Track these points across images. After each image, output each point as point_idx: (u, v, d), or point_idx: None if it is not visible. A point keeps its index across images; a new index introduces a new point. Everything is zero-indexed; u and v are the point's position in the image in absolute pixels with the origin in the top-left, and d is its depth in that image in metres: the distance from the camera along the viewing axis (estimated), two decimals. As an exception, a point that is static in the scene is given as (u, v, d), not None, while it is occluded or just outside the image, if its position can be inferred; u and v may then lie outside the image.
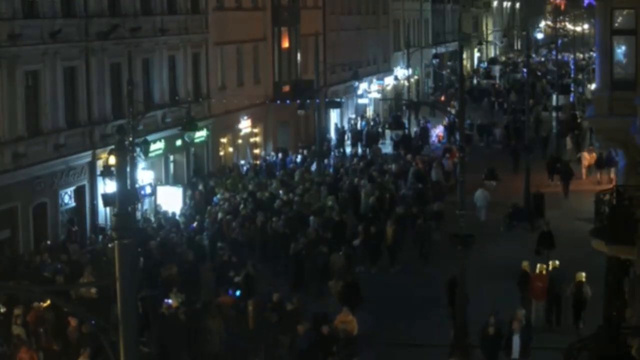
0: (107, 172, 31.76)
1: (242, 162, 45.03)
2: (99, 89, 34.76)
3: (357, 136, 54.49)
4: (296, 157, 46.12)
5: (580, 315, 26.92)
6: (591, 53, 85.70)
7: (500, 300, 28.27)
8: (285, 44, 49.65)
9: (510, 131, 54.86)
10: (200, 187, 38.17)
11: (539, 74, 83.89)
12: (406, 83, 64.81)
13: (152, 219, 35.14)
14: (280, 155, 46.65)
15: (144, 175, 35.54)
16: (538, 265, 27.91)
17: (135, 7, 37.19)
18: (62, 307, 21.07)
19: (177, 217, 34.93)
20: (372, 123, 58.93)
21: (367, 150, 51.49)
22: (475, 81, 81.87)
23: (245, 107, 45.25)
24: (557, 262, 28.06)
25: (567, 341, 20.76)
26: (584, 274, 27.03)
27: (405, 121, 52.46)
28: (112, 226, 30.66)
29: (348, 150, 52.64)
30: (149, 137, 35.78)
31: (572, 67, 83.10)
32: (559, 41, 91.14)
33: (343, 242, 31.32)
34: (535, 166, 42.85)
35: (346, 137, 55.31)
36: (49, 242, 31.12)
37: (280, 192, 37.30)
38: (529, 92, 49.01)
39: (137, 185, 32.22)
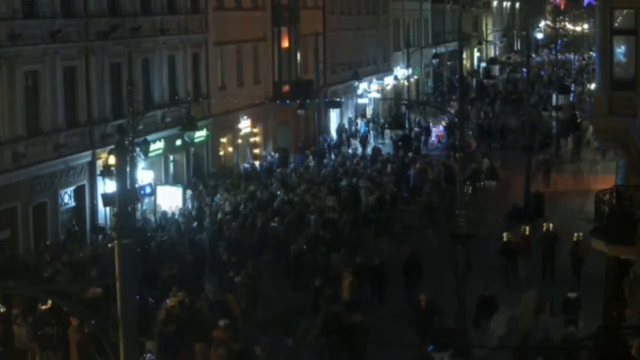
0: (107, 172, 31.77)
1: (246, 164, 45.02)
2: (99, 88, 34.75)
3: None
4: (295, 158, 46.12)
5: (579, 272, 29.84)
6: (591, 53, 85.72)
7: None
8: (285, 43, 49.64)
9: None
10: (201, 187, 38.18)
11: (543, 73, 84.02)
12: (406, 83, 64.80)
13: (152, 218, 35.14)
14: (276, 155, 46.63)
15: (144, 175, 35.54)
16: (522, 227, 31.84)
17: (135, 7, 37.19)
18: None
19: (176, 217, 34.90)
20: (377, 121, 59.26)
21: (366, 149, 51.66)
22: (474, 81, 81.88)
23: (245, 107, 45.24)
24: (550, 225, 32.34)
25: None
26: (575, 234, 30.73)
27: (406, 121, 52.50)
28: (112, 226, 30.71)
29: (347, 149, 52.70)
30: (149, 137, 35.79)
31: (573, 66, 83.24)
32: (559, 41, 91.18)
33: (343, 242, 31.24)
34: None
35: (344, 137, 55.42)
36: (47, 243, 31.16)
37: (279, 192, 37.25)
38: (529, 92, 49.06)
39: (137, 185, 32.21)
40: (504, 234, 31.83)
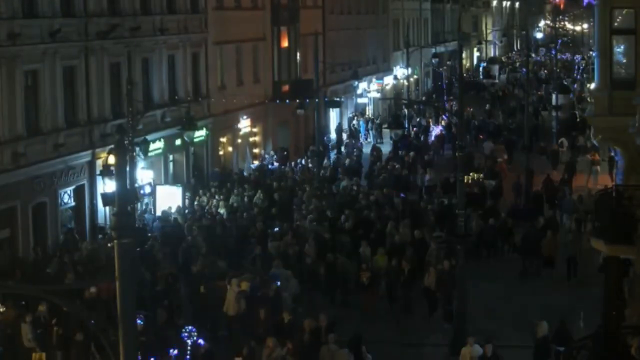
0: (106, 171, 31.76)
1: (251, 165, 45.06)
2: (99, 88, 34.74)
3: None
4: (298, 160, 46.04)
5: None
6: (591, 52, 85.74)
7: (498, 299, 28.43)
8: (285, 43, 49.63)
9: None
10: (200, 192, 38.04)
11: (543, 74, 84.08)
12: (405, 83, 64.80)
13: (149, 218, 35.07)
14: (274, 156, 46.58)
15: (144, 175, 35.53)
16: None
17: (135, 7, 37.17)
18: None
19: (175, 217, 34.85)
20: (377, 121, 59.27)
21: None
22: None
23: (244, 106, 45.23)
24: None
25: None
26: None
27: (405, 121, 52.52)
28: (111, 226, 30.69)
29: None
30: (149, 137, 35.77)
31: (577, 66, 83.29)
32: (559, 41, 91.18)
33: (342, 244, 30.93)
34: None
35: (344, 137, 55.43)
36: (49, 243, 31.20)
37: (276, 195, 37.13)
38: (528, 91, 49.12)
39: (136, 185, 32.20)
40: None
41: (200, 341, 23.00)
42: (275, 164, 45.54)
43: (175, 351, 22.73)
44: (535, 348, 23.30)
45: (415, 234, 30.91)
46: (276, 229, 32.26)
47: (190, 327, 23.02)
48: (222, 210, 35.29)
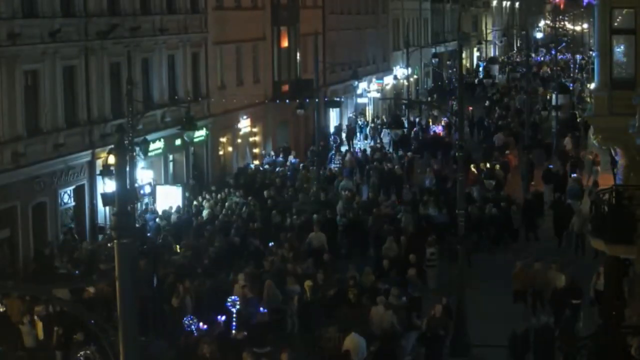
0: (106, 171, 31.78)
1: (251, 165, 45.08)
2: (99, 88, 34.75)
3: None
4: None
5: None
6: (590, 52, 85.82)
7: (498, 299, 28.41)
8: (285, 43, 49.63)
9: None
10: (203, 194, 38.02)
11: (546, 74, 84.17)
12: (405, 83, 64.79)
13: (150, 217, 35.06)
14: (275, 158, 46.57)
15: (144, 175, 35.53)
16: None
17: (135, 7, 37.18)
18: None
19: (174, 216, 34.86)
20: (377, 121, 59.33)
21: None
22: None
23: (244, 106, 45.24)
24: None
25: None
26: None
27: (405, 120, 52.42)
28: (111, 225, 30.72)
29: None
30: (149, 137, 35.78)
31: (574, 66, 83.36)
32: (562, 44, 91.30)
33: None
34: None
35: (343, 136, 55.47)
36: (50, 241, 31.24)
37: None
38: (528, 91, 49.18)
39: (136, 185, 32.19)
40: None
41: (261, 308, 23.82)
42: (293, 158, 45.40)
43: (223, 317, 23.23)
44: (552, 300, 24.74)
45: (410, 258, 28.30)
46: (271, 244, 30.94)
47: (234, 297, 23.64)
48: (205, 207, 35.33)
